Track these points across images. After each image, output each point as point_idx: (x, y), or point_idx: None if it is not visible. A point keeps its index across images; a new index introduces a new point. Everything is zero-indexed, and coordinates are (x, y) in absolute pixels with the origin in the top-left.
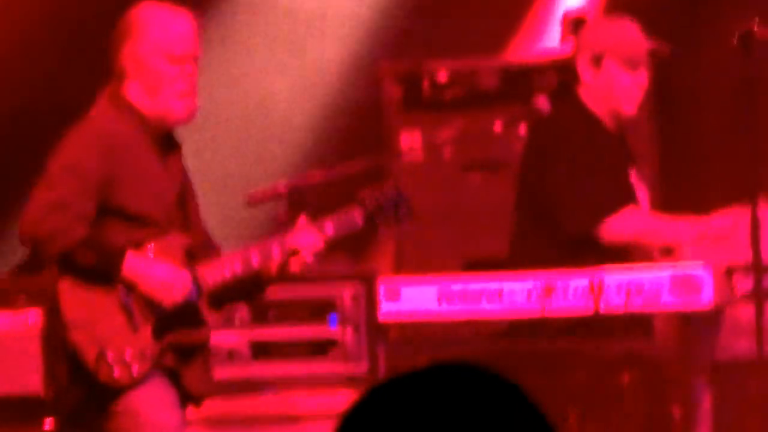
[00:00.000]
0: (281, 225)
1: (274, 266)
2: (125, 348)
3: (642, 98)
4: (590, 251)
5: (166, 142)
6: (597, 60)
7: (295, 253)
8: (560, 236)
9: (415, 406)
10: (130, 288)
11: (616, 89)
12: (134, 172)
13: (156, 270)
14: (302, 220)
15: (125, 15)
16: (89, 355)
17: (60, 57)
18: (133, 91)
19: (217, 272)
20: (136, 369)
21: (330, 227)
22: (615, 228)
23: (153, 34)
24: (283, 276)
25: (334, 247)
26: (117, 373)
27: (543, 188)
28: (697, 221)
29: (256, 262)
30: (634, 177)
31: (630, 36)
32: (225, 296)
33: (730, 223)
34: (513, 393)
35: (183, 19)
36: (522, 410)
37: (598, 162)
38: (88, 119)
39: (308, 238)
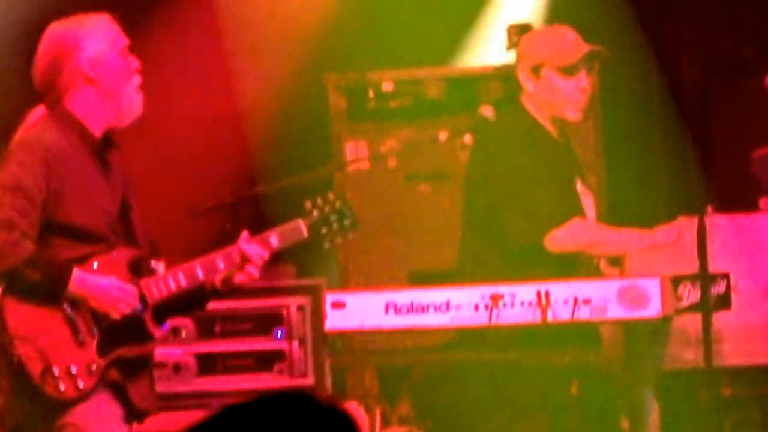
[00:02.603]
0: (225, 238)
1: (219, 279)
2: (71, 362)
3: (586, 103)
4: (537, 262)
5: (106, 153)
6: (536, 70)
7: (240, 266)
8: (507, 247)
9: None
10: (76, 303)
11: (558, 97)
12: (77, 187)
13: (102, 285)
14: (244, 235)
15: (50, 36)
16: (35, 369)
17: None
18: (80, 103)
19: (162, 286)
20: (82, 383)
21: (275, 239)
22: (560, 239)
23: (97, 36)
24: (228, 289)
25: (279, 259)
26: (63, 387)
27: (489, 199)
28: (644, 232)
29: (201, 275)
30: (580, 187)
31: (565, 43)
32: (168, 310)
33: (675, 233)
34: (345, 425)
35: (108, 19)
36: None
37: (544, 172)
38: (30, 137)
39: (253, 251)
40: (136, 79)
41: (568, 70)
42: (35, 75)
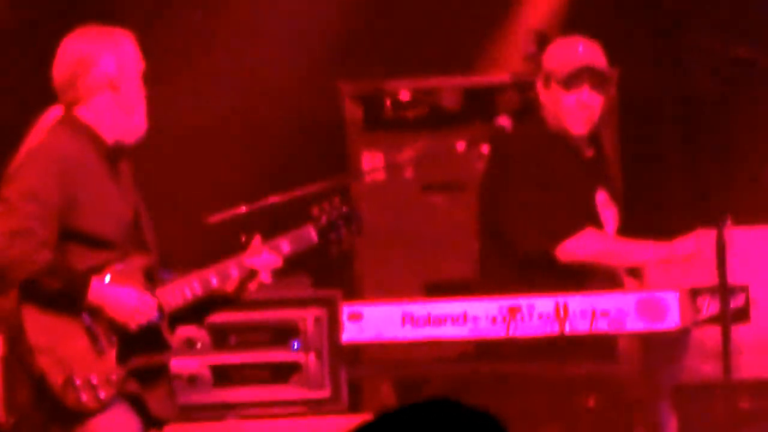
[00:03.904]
0: (239, 246)
1: (231, 287)
2: (91, 373)
3: (590, 118)
4: (549, 272)
5: (117, 162)
6: (546, 80)
7: (253, 273)
8: (517, 256)
9: None
10: (95, 313)
11: (560, 110)
12: (92, 195)
13: (121, 294)
14: (257, 240)
15: (71, 44)
16: (56, 380)
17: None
18: (93, 113)
19: (177, 294)
20: (102, 393)
21: (286, 245)
22: (570, 250)
23: (123, 51)
24: (241, 296)
25: (294, 270)
26: (84, 398)
27: (503, 209)
28: (661, 244)
29: (214, 282)
30: (603, 197)
31: (566, 55)
32: (180, 317)
33: (694, 245)
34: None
35: (131, 37)
36: None
37: (557, 182)
38: (45, 145)
39: (265, 258)
40: (144, 104)
41: (567, 84)
42: (56, 76)
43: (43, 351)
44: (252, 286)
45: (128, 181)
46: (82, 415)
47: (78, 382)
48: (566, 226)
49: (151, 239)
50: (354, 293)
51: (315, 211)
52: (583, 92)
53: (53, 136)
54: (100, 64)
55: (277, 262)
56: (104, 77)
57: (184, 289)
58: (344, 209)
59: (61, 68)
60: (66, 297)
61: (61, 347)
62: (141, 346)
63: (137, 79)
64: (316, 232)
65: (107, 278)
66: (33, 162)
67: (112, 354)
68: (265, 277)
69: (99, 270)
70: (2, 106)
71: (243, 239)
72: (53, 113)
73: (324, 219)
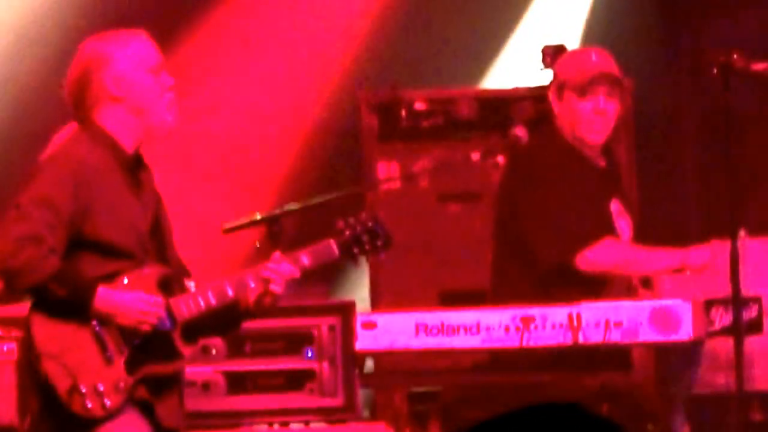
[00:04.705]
0: (257, 257)
1: (251, 298)
2: (98, 380)
3: (606, 126)
4: (567, 282)
5: (138, 171)
6: (560, 91)
7: (268, 284)
8: (537, 267)
9: None
10: (104, 321)
11: (576, 119)
12: (107, 204)
13: (127, 299)
14: (276, 255)
15: (82, 51)
16: (62, 386)
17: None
18: (110, 118)
19: (192, 304)
20: (109, 401)
21: (306, 258)
22: (591, 259)
23: (126, 53)
24: (260, 309)
25: (310, 278)
26: (90, 404)
27: (519, 219)
28: (676, 254)
29: (231, 293)
30: (617, 207)
31: (581, 64)
32: (200, 330)
33: (708, 256)
34: None
35: (143, 35)
36: None
37: (575, 192)
38: (61, 151)
39: (284, 270)
40: (168, 96)
41: (582, 91)
42: (66, 89)
43: (49, 357)
44: (269, 297)
45: (149, 192)
46: (90, 421)
47: (84, 388)
48: (585, 236)
49: (170, 251)
50: (370, 302)
51: (339, 224)
52: (599, 99)
53: (71, 143)
54: (100, 74)
55: (295, 273)
56: (104, 88)
57: (198, 300)
58: (370, 224)
59: (71, 77)
60: (73, 304)
61: (69, 354)
62: (152, 355)
63: (147, 78)
64: (337, 246)
65: (125, 281)
66: (48, 169)
67: (120, 362)
68: (276, 287)
69: (112, 278)
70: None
71: (259, 248)
72: (74, 124)
73: (348, 233)
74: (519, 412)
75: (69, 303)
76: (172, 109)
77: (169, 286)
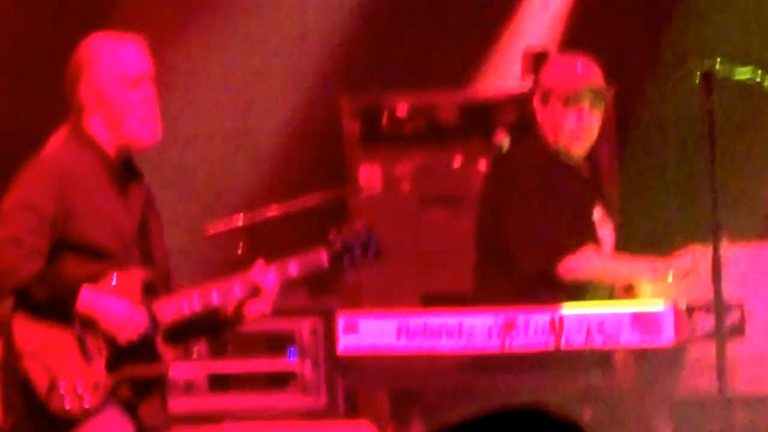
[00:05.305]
0: (239, 261)
1: (232, 305)
2: (78, 380)
3: (590, 136)
4: (549, 288)
5: (126, 175)
6: (545, 98)
7: (256, 292)
8: (519, 273)
9: None
10: (86, 322)
11: (559, 128)
12: (91, 207)
13: (112, 306)
14: (260, 263)
15: (76, 50)
16: (41, 385)
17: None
18: (94, 124)
19: (175, 308)
20: (88, 401)
21: (294, 267)
22: (572, 267)
23: (105, 63)
24: (239, 320)
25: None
26: (68, 404)
27: (501, 225)
28: (658, 262)
29: (216, 299)
30: (599, 214)
31: (568, 73)
32: (185, 333)
33: (690, 262)
34: None
35: (132, 43)
36: None
37: (556, 199)
38: (45, 154)
39: (269, 277)
40: (143, 111)
41: (567, 102)
42: (64, 87)
43: (29, 356)
44: (250, 310)
45: (137, 197)
46: (69, 421)
47: (63, 388)
48: (567, 244)
49: (158, 256)
50: (351, 304)
51: (331, 234)
52: (583, 111)
53: (57, 146)
54: (80, 81)
55: (275, 288)
56: (82, 95)
57: (182, 304)
58: (363, 235)
59: (66, 76)
60: (56, 306)
61: (49, 353)
62: (132, 357)
63: (121, 91)
64: (328, 256)
65: (114, 280)
66: (31, 172)
67: (101, 362)
68: (264, 303)
69: (95, 279)
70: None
71: (240, 253)
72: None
73: (339, 244)
74: (482, 417)
75: (52, 304)
76: (148, 123)
77: (154, 288)
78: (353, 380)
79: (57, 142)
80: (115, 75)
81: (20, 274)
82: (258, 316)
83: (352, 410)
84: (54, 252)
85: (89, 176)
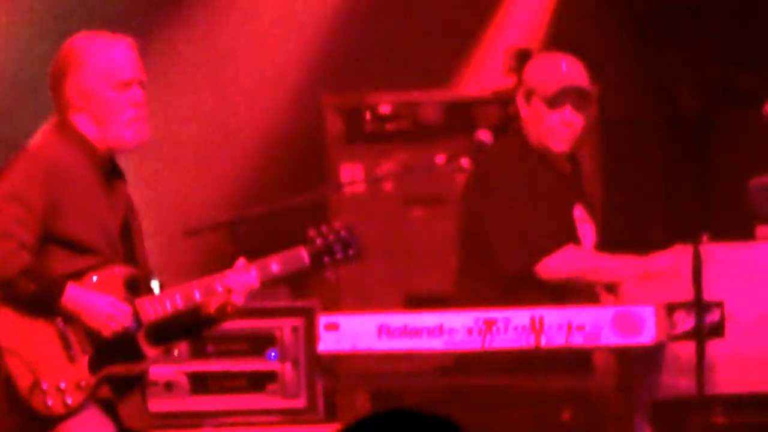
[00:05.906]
0: (220, 261)
1: (213, 305)
2: (60, 378)
3: (572, 137)
4: (531, 288)
5: (112, 173)
6: (528, 97)
7: (236, 290)
8: (501, 273)
9: None
10: (69, 318)
11: (542, 127)
12: (78, 202)
13: (96, 301)
14: (241, 262)
15: (63, 47)
16: (23, 382)
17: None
18: (81, 120)
19: (158, 306)
20: (70, 399)
21: (275, 265)
22: (553, 267)
23: (94, 64)
24: (220, 316)
25: (275, 281)
26: (51, 402)
27: (483, 224)
28: (638, 261)
29: (198, 297)
30: (581, 213)
31: (551, 74)
32: (167, 332)
33: (671, 261)
34: None
35: (122, 45)
36: None
37: (538, 199)
38: (32, 147)
39: (243, 280)
40: (130, 112)
41: (551, 102)
42: (48, 83)
43: (12, 353)
44: (229, 308)
45: (121, 195)
46: (51, 419)
47: (46, 386)
48: (547, 243)
49: (140, 254)
50: (332, 304)
51: (311, 233)
52: (566, 111)
53: (45, 140)
54: (66, 80)
55: (254, 284)
56: (68, 94)
57: (165, 302)
58: (343, 234)
59: (50, 73)
60: (41, 300)
61: (32, 350)
62: (115, 355)
63: (108, 94)
64: (308, 255)
65: (94, 278)
66: (19, 165)
67: (84, 360)
68: (237, 298)
69: (79, 275)
70: None
71: (223, 250)
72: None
73: (319, 242)
74: (362, 420)
75: (37, 299)
76: (133, 126)
77: (137, 286)
78: (333, 380)
79: (44, 135)
80: (103, 77)
81: (10, 266)
82: (233, 311)
83: (332, 411)
84: (40, 245)
85: (76, 170)
